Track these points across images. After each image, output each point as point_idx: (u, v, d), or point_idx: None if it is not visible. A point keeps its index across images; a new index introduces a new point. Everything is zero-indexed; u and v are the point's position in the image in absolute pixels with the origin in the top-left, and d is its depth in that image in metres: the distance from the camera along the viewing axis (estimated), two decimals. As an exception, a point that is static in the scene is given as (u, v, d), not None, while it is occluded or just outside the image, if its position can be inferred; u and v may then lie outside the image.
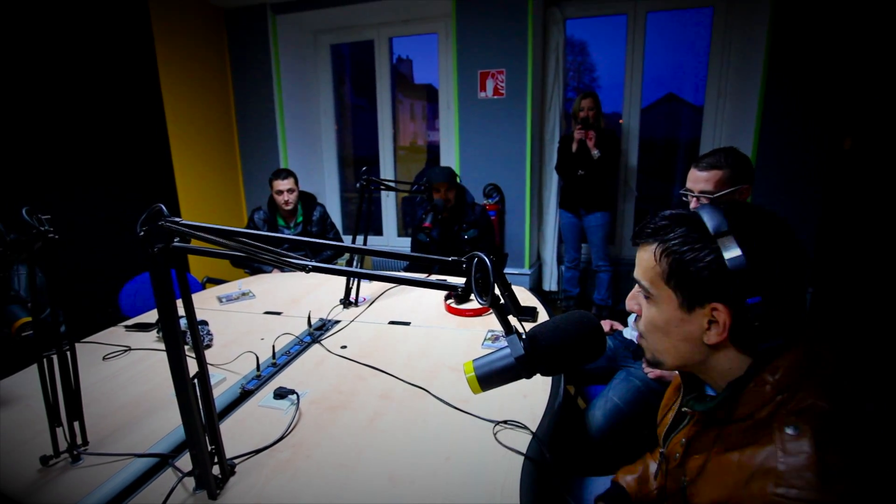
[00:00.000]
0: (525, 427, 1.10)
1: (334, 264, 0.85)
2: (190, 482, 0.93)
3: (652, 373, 1.49)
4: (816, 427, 0.59)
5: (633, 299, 0.77)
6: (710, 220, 0.66)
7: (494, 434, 1.07)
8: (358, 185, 1.99)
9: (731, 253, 0.63)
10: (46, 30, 2.69)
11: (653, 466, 1.01)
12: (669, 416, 0.87)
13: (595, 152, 3.22)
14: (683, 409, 0.79)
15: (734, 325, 0.64)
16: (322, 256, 3.00)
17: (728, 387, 0.68)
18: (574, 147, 3.28)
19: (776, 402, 0.63)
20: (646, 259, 0.71)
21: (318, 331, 1.73)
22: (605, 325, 1.83)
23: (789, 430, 0.60)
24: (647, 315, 0.74)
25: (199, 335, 0.87)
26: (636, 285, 0.76)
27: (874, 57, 2.80)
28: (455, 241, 2.77)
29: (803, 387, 0.62)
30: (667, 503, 0.84)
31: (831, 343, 0.67)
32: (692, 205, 1.48)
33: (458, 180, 2.77)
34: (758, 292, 0.62)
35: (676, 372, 0.84)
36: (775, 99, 3.03)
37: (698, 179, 1.45)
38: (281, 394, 1.25)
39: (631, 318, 1.71)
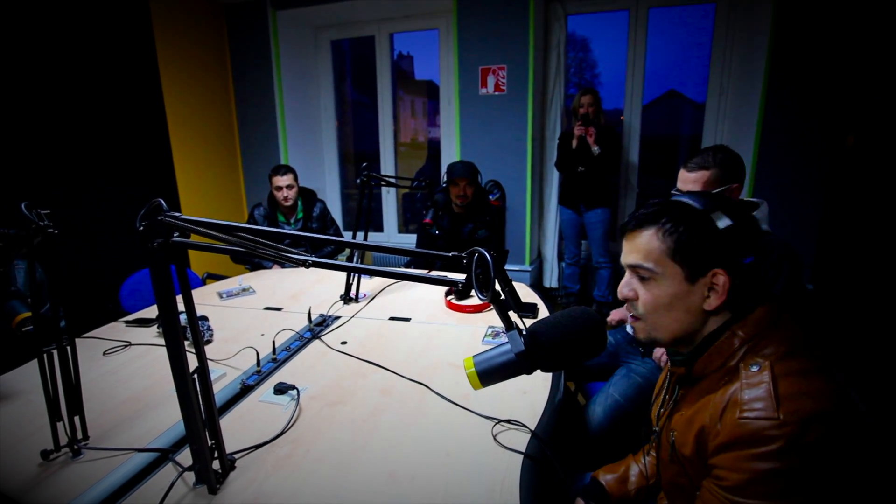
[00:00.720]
0: (525, 426, 1.10)
1: (335, 260, 0.85)
2: (190, 477, 0.93)
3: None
4: (774, 362, 0.70)
5: (627, 286, 0.81)
6: (695, 202, 0.77)
7: (494, 436, 1.07)
8: (358, 181, 1.99)
9: (724, 222, 0.74)
10: (47, 27, 2.68)
11: (634, 469, 1.04)
12: (661, 397, 0.93)
13: (595, 149, 3.21)
14: (671, 369, 0.87)
15: (732, 286, 0.73)
16: (323, 252, 3.00)
17: (703, 340, 0.78)
18: (574, 143, 3.28)
19: (744, 350, 0.74)
20: (645, 242, 0.77)
21: (319, 327, 1.73)
22: (617, 314, 1.84)
23: (753, 368, 0.71)
24: (649, 295, 0.79)
25: (199, 331, 0.87)
26: (626, 273, 0.82)
27: (877, 54, 2.78)
28: (466, 239, 2.76)
29: (767, 338, 0.73)
30: (661, 474, 0.90)
31: (792, 312, 0.78)
32: None
33: (479, 178, 2.75)
34: (749, 253, 0.73)
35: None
36: (777, 96, 3.02)
37: (687, 180, 1.44)
38: (281, 389, 1.25)
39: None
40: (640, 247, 0.78)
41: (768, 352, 0.72)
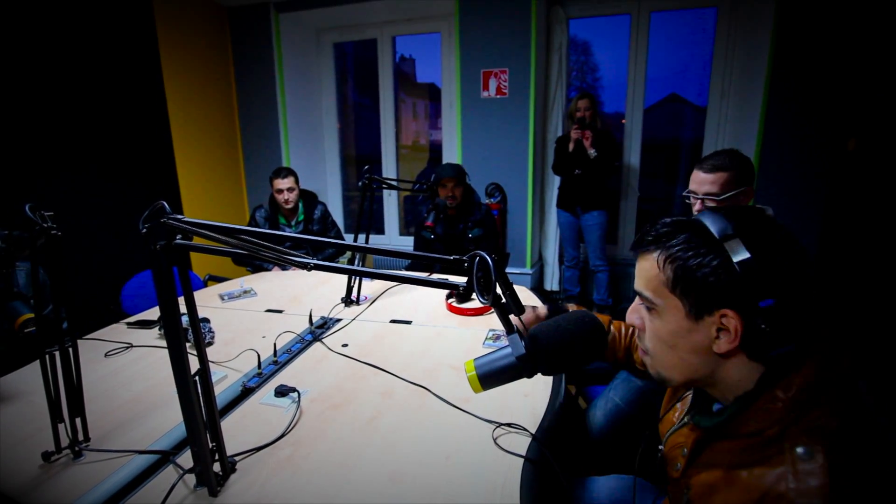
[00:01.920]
0: (525, 429, 1.09)
1: (336, 263, 0.85)
2: (191, 479, 0.93)
3: None
4: (828, 449, 0.57)
5: (635, 312, 0.73)
6: (713, 225, 0.64)
7: (494, 439, 1.07)
8: (360, 183, 1.99)
9: (740, 255, 0.60)
10: (51, 28, 2.70)
11: None
12: (671, 415, 0.86)
13: (592, 152, 3.22)
14: (685, 417, 0.77)
15: (746, 332, 0.61)
16: (324, 255, 3.01)
17: (735, 401, 0.65)
18: (571, 147, 3.30)
19: (788, 420, 0.60)
20: (647, 268, 0.68)
21: (320, 329, 1.73)
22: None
23: (800, 451, 0.57)
24: (651, 328, 0.70)
25: (200, 332, 0.87)
26: (636, 298, 0.73)
27: (879, 57, 2.78)
28: (460, 240, 2.77)
29: (816, 405, 0.60)
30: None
31: (846, 351, 0.64)
32: (696, 207, 1.48)
33: (467, 179, 2.77)
34: (769, 295, 0.60)
35: None
36: (779, 99, 3.02)
37: (703, 181, 1.44)
38: (282, 392, 1.25)
39: None
40: (643, 272, 0.69)
41: (818, 426, 0.58)
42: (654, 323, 0.69)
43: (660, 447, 0.85)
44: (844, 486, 0.54)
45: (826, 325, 0.66)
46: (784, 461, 0.58)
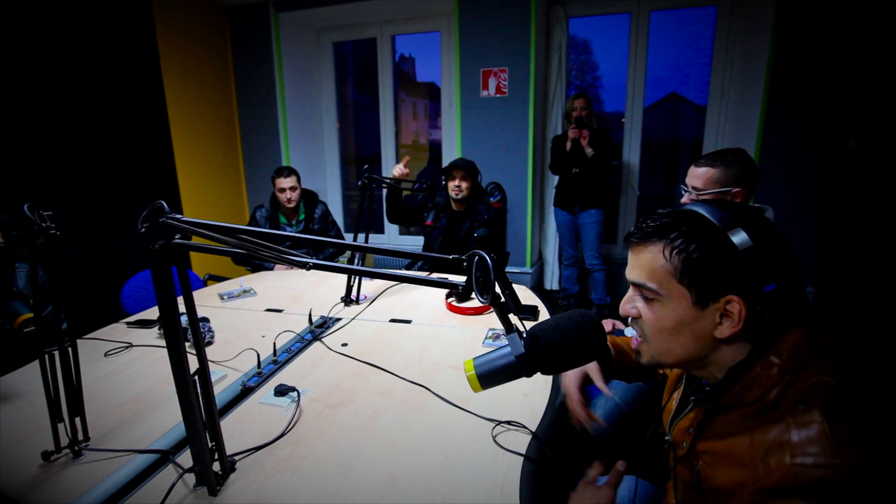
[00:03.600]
0: (525, 428, 1.10)
1: (336, 262, 0.85)
2: (190, 478, 0.93)
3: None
4: (825, 400, 0.61)
5: (630, 302, 0.74)
6: (712, 215, 0.66)
7: (493, 437, 1.07)
8: (360, 182, 1.99)
9: (743, 243, 0.63)
10: (50, 28, 2.69)
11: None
12: (673, 402, 0.87)
13: (589, 150, 3.23)
14: (691, 398, 0.79)
15: (749, 316, 0.64)
16: (324, 254, 3.01)
17: (728, 372, 0.68)
18: (568, 146, 3.30)
19: (784, 383, 0.63)
20: (650, 259, 0.69)
21: (319, 328, 1.73)
22: (608, 324, 1.83)
23: (799, 406, 0.62)
24: (652, 317, 0.71)
25: (199, 332, 0.87)
26: (630, 288, 0.74)
27: (879, 57, 2.78)
28: (465, 237, 2.77)
29: (808, 366, 0.64)
30: (678, 492, 0.83)
31: (826, 324, 0.69)
32: (684, 199, 1.51)
33: (479, 178, 2.77)
34: (772, 280, 0.63)
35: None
36: (779, 99, 3.02)
37: (693, 175, 1.48)
38: (281, 391, 1.25)
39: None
40: (644, 263, 0.70)
41: (813, 384, 0.62)
42: (655, 313, 0.71)
43: (666, 437, 0.86)
44: (842, 429, 0.58)
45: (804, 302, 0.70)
46: (784, 417, 0.62)
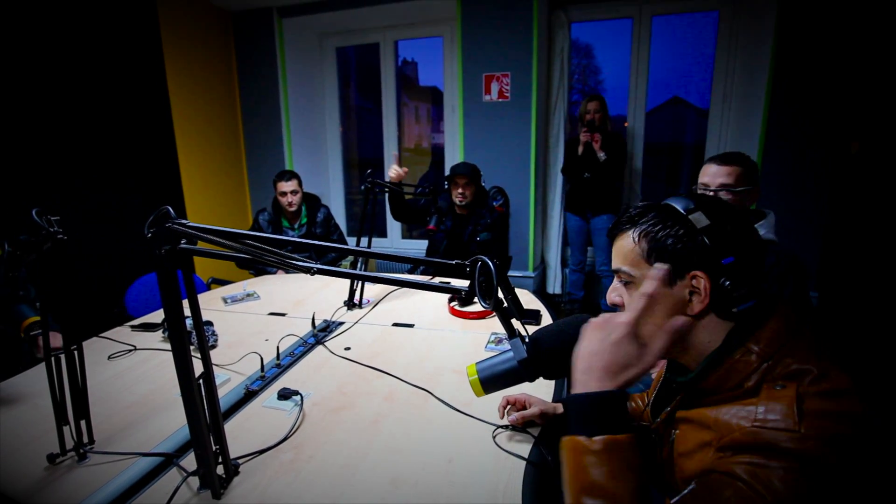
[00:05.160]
0: (527, 432, 1.10)
1: (338, 266, 0.86)
2: (194, 482, 0.93)
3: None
4: (801, 383, 0.64)
5: (615, 291, 0.79)
6: (678, 203, 0.74)
7: (494, 438, 1.07)
8: (363, 187, 2.00)
9: (702, 223, 0.70)
10: (56, 33, 2.72)
11: None
12: (652, 393, 0.90)
13: (601, 155, 3.22)
14: (672, 384, 0.82)
15: (713, 289, 0.70)
16: (326, 258, 3.02)
17: (707, 357, 0.72)
18: (580, 150, 3.29)
19: (762, 370, 0.67)
20: (623, 245, 0.76)
21: (322, 332, 1.73)
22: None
23: (776, 387, 0.65)
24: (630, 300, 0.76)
25: (204, 335, 0.88)
26: (615, 277, 0.79)
27: (881, 60, 2.78)
28: (468, 241, 2.77)
29: (787, 354, 0.67)
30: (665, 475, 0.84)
31: (804, 315, 0.73)
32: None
33: (481, 180, 2.78)
34: (730, 253, 0.69)
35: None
36: (781, 102, 3.02)
37: (717, 173, 1.44)
38: (285, 395, 1.25)
39: None
40: (619, 250, 0.77)
41: (793, 370, 0.65)
42: (633, 295, 0.75)
43: (650, 425, 0.88)
44: (811, 404, 0.61)
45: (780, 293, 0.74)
46: (761, 396, 0.65)
